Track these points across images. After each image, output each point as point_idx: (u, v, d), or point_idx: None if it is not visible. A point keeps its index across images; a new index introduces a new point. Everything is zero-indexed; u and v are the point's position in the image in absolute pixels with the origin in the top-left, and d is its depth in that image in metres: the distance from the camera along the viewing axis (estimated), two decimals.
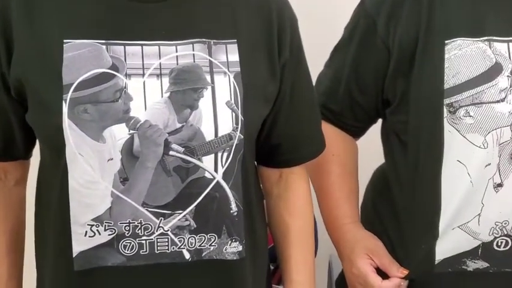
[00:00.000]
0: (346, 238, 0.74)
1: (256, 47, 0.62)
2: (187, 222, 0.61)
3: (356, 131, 0.79)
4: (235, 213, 0.63)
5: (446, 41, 0.65)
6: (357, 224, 0.76)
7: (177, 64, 0.59)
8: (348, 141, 0.79)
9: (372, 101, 0.73)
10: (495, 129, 0.63)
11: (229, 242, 0.63)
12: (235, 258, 0.63)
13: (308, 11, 0.95)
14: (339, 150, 0.77)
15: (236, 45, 0.61)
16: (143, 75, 0.59)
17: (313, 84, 0.74)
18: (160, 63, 0.59)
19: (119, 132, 0.58)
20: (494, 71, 0.64)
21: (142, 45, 0.59)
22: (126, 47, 0.58)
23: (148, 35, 0.59)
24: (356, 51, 0.72)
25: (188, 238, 0.61)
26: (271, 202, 0.71)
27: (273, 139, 0.67)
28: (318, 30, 1.04)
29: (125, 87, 0.58)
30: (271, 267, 1.04)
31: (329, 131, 0.76)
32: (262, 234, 0.70)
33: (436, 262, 0.68)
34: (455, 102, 0.64)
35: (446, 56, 0.65)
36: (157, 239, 0.60)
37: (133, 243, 0.59)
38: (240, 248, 0.63)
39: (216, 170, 0.61)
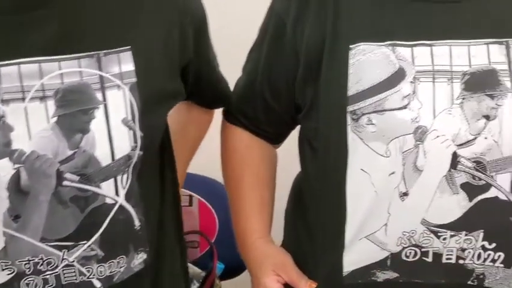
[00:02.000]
0: (254, 255, 0.73)
1: (154, 51, 0.59)
2: (93, 252, 0.58)
3: (274, 137, 0.77)
4: (139, 227, 0.61)
5: (350, 46, 0.63)
6: (266, 239, 0.74)
7: (62, 83, 0.54)
8: (264, 149, 0.77)
9: (285, 105, 0.71)
10: (397, 137, 0.61)
11: (136, 255, 0.62)
12: (141, 267, 0.62)
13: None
14: (253, 159, 0.75)
15: (130, 52, 0.57)
16: (23, 99, 0.53)
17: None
18: (42, 84, 0.53)
19: (2, 168, 0.53)
20: (397, 77, 0.62)
21: (18, 63, 0.52)
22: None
23: (26, 51, 0.52)
24: (267, 55, 0.70)
25: (98, 267, 0.59)
26: None
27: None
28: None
29: (2, 116, 0.52)
30: (203, 274, 1.03)
31: (244, 139, 0.75)
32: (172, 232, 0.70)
33: (344, 274, 0.66)
34: (358, 109, 0.62)
35: (351, 61, 0.63)
36: (62, 271, 0.58)
37: (36, 280, 0.57)
38: (145, 256, 0.62)
39: (117, 193, 0.58)
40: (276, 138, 0.77)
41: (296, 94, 0.69)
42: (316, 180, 0.69)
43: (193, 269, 1.05)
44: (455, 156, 0.61)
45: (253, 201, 0.74)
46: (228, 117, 0.77)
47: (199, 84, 0.71)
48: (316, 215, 0.70)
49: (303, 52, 0.66)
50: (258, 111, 0.73)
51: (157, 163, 0.66)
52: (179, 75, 0.64)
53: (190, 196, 1.04)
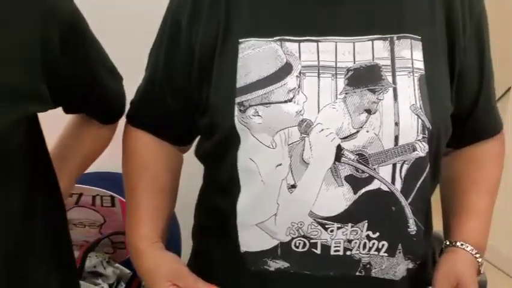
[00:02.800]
0: (147, 265, 0.71)
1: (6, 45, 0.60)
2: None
3: (178, 139, 0.77)
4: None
5: (240, 40, 0.65)
6: (156, 245, 0.72)
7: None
8: (167, 153, 0.77)
9: (185, 105, 0.72)
10: (283, 129, 0.63)
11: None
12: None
13: None
14: (153, 163, 0.75)
15: None
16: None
17: None
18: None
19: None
20: (284, 71, 0.64)
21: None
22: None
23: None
24: (166, 55, 0.72)
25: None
26: None
27: None
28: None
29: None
30: (130, 274, 1.04)
31: (146, 142, 0.76)
32: None
33: (242, 252, 0.68)
34: (245, 101, 0.64)
35: (240, 55, 0.65)
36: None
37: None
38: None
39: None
40: (180, 140, 0.78)
41: (193, 93, 0.70)
42: (214, 172, 0.71)
43: (121, 269, 1.06)
44: (339, 149, 0.63)
45: (147, 207, 0.73)
46: (130, 119, 0.78)
47: (82, 94, 0.71)
48: (216, 199, 0.71)
49: (198, 49, 0.68)
50: (160, 112, 0.74)
51: (18, 171, 0.65)
52: (45, 78, 0.63)
53: (112, 197, 1.02)
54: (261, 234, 0.67)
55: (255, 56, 0.65)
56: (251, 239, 0.67)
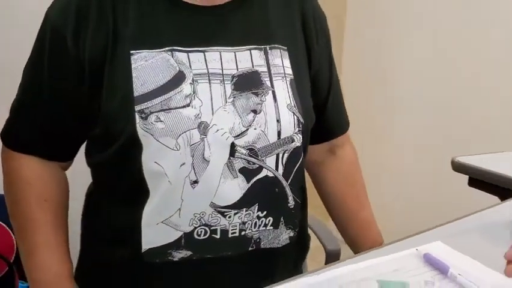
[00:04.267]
0: None
1: None
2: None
3: (65, 156, 0.78)
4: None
5: (132, 52, 0.69)
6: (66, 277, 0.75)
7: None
8: (58, 178, 0.77)
9: (75, 120, 0.73)
10: (184, 132, 0.69)
11: None
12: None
13: None
14: (52, 193, 0.75)
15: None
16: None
17: None
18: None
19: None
20: (179, 78, 0.70)
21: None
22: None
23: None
24: (50, 71, 0.71)
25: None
26: None
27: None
28: None
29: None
30: None
31: (35, 169, 0.75)
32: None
33: (143, 251, 0.72)
34: (145, 108, 0.69)
35: (133, 65, 0.69)
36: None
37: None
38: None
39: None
40: (67, 156, 0.78)
41: (83, 104, 0.71)
42: (116, 179, 0.74)
43: None
44: (232, 146, 0.72)
45: (52, 243, 0.74)
46: (8, 143, 0.76)
47: None
48: (117, 207, 0.74)
49: (86, 61, 0.69)
50: (46, 130, 0.73)
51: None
52: None
53: None
54: (165, 229, 0.72)
55: (149, 66, 0.69)
56: (155, 236, 0.72)
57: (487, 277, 0.61)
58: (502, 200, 0.89)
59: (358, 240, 0.91)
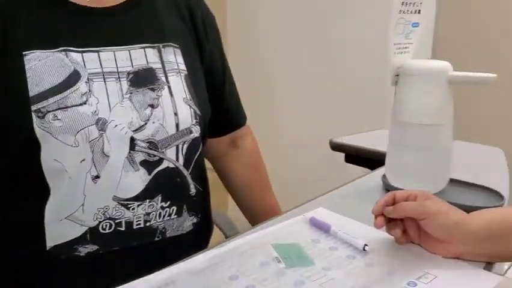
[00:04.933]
0: None
1: None
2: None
3: None
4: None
5: (24, 52, 0.70)
6: None
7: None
8: None
9: None
10: (83, 128, 0.72)
11: None
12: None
13: None
14: None
15: None
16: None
17: None
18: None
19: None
20: (74, 77, 0.72)
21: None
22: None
23: None
24: None
25: None
26: None
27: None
28: None
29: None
30: None
31: None
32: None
33: (48, 248, 0.73)
34: (42, 108, 0.70)
35: (27, 66, 0.70)
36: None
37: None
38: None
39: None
40: None
41: None
42: (16, 178, 0.73)
43: None
44: (132, 140, 0.76)
45: None
46: None
47: None
48: (14, 209, 0.74)
49: None
50: None
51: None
52: None
53: None
54: (70, 225, 0.74)
55: (43, 66, 0.71)
56: (60, 232, 0.73)
57: (361, 230, 0.72)
58: (372, 170, 1.03)
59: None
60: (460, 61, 2.14)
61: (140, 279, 0.60)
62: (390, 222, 0.68)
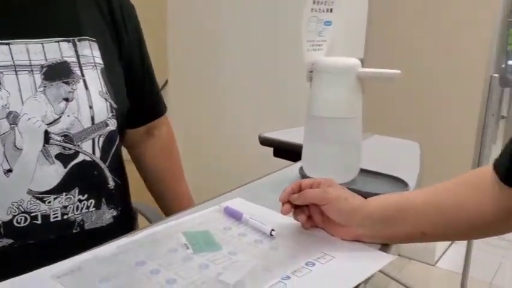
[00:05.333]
0: None
1: None
2: None
3: None
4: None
5: None
6: None
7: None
8: None
9: None
10: None
11: None
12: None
13: None
14: None
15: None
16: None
17: None
18: None
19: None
20: None
21: None
22: None
23: None
24: None
25: None
26: None
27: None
28: None
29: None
30: None
31: None
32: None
33: None
34: None
35: None
36: None
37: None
38: None
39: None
40: None
41: None
42: None
43: None
44: (46, 133, 0.76)
45: None
46: None
47: None
48: None
49: None
50: None
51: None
52: None
53: None
54: None
55: None
56: None
57: (272, 218, 0.75)
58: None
59: (174, 210, 1.00)
60: (393, 59, 2.26)
61: (47, 267, 0.61)
62: (296, 208, 0.72)
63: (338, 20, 0.91)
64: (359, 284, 0.59)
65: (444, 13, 2.03)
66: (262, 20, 2.05)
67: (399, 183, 0.89)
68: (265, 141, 1.22)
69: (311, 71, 0.89)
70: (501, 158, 0.64)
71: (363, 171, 0.92)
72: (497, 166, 0.64)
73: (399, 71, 0.84)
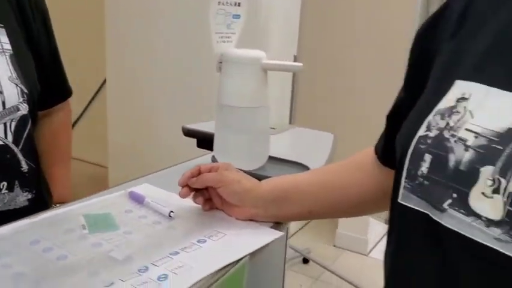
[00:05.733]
0: None
1: None
2: None
3: None
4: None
5: None
6: None
7: None
8: None
9: None
10: None
11: None
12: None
13: None
14: None
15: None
16: None
17: None
18: None
19: None
20: None
21: None
22: None
23: None
24: None
25: None
26: None
27: None
28: None
29: None
30: None
31: None
32: None
33: None
34: None
35: None
36: None
37: None
38: None
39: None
40: None
41: None
42: None
43: None
44: None
45: None
46: None
47: None
48: None
49: None
50: None
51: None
52: None
53: None
54: None
55: None
56: None
57: (176, 201, 0.79)
58: None
59: (51, 193, 1.00)
60: (325, 57, 2.34)
61: None
62: (196, 192, 0.76)
63: (244, 14, 0.95)
64: (244, 257, 0.63)
65: (371, 10, 2.15)
66: (187, 18, 2.12)
67: (304, 168, 0.95)
68: (188, 133, 1.24)
69: (220, 62, 0.93)
70: (379, 140, 0.70)
71: (272, 159, 0.97)
72: (376, 148, 0.70)
73: (301, 64, 0.90)
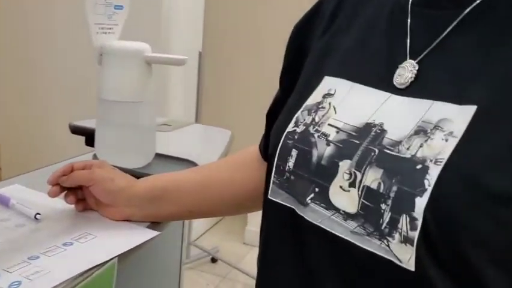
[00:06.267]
0: None
1: None
2: None
3: None
4: None
5: None
6: None
7: None
8: None
9: None
10: None
11: None
12: None
13: None
14: None
15: None
16: None
17: None
18: None
19: None
20: None
21: None
22: None
23: None
24: None
25: None
26: None
27: None
28: None
29: None
30: None
31: None
32: None
33: None
34: None
35: None
36: None
37: None
38: None
39: None
40: None
41: None
42: None
43: None
44: None
45: None
46: None
47: None
48: None
49: None
50: None
51: None
52: None
53: None
54: None
55: None
56: None
57: (47, 202, 0.73)
58: None
59: None
60: (231, 50, 2.34)
61: None
62: (69, 191, 0.71)
63: (128, 4, 0.91)
64: (112, 259, 0.60)
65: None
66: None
67: (191, 165, 0.93)
68: (75, 130, 1.18)
69: (101, 54, 0.88)
70: (262, 138, 0.70)
71: (159, 156, 0.94)
72: (260, 145, 0.70)
73: (186, 57, 0.87)
